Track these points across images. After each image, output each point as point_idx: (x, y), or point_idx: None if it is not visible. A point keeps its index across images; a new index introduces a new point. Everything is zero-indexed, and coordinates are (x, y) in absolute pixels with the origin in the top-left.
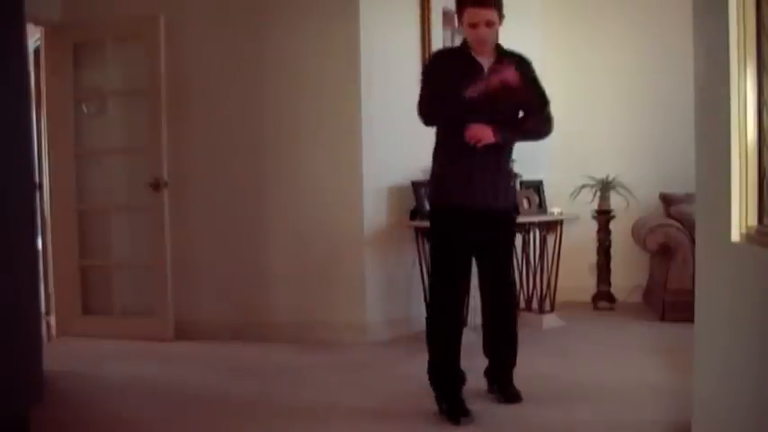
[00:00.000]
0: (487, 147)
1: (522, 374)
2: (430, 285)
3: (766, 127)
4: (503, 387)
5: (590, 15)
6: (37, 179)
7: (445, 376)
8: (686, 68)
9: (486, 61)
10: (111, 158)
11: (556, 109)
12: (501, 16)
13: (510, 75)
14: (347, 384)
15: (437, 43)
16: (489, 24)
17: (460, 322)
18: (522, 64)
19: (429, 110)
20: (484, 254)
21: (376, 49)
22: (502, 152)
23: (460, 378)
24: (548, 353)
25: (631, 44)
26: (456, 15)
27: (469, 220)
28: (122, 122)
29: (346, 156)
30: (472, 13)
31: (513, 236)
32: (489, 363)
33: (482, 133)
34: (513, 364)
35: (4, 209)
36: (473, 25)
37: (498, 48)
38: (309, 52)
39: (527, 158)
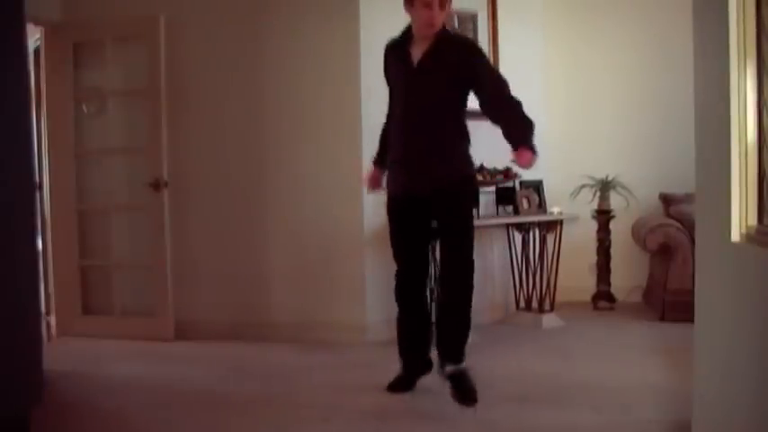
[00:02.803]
0: (418, 130)
1: (522, 374)
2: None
3: (766, 127)
4: (456, 377)
5: (590, 15)
6: (37, 179)
7: (405, 354)
8: (686, 68)
9: (420, 47)
10: (111, 158)
11: (556, 108)
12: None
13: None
14: (347, 384)
15: None
16: (443, 6)
17: (418, 306)
18: (462, 50)
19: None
20: (440, 232)
21: (376, 49)
22: (435, 132)
23: (419, 359)
24: (548, 353)
25: (632, 44)
26: None
27: (412, 203)
28: (122, 122)
29: (346, 155)
30: None
31: (465, 209)
32: (437, 337)
33: (530, 161)
34: (460, 348)
35: (4, 209)
36: (427, 4)
37: (443, 31)
38: (309, 52)
39: None
